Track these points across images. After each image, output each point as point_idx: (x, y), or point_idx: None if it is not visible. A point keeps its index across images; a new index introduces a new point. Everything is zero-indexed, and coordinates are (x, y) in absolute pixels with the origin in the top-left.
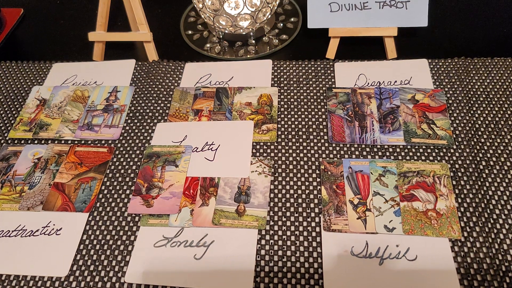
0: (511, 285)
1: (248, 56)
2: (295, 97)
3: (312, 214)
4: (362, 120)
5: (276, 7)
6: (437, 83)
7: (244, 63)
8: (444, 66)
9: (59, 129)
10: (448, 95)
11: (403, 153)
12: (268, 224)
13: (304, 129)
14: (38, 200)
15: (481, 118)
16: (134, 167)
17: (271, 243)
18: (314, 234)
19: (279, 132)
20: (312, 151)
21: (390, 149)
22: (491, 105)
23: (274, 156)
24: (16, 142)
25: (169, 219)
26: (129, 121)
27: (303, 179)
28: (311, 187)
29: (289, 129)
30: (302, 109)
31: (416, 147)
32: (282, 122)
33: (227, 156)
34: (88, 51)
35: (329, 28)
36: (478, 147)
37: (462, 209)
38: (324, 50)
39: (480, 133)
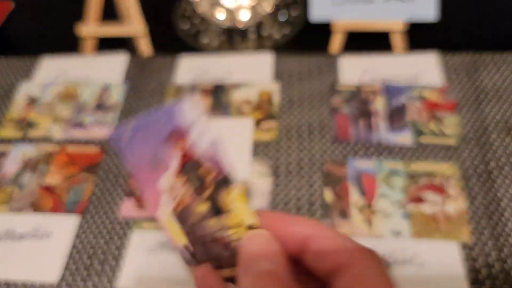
0: None
1: (248, 50)
2: (297, 93)
3: (315, 218)
4: (367, 118)
5: None
6: (446, 79)
7: (243, 58)
8: (453, 62)
9: (49, 128)
10: (457, 92)
11: (410, 153)
12: None
13: (306, 128)
14: (27, 202)
15: (490, 116)
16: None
17: None
18: None
19: (280, 131)
20: (315, 151)
21: (397, 149)
22: (501, 103)
23: (274, 156)
24: (4, 141)
25: None
26: (122, 119)
27: (305, 180)
28: (314, 189)
29: (291, 128)
30: (304, 106)
31: (424, 146)
32: (283, 120)
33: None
34: (79, 46)
35: (333, 22)
36: (487, 146)
37: (471, 211)
38: (328, 44)
39: (489, 132)
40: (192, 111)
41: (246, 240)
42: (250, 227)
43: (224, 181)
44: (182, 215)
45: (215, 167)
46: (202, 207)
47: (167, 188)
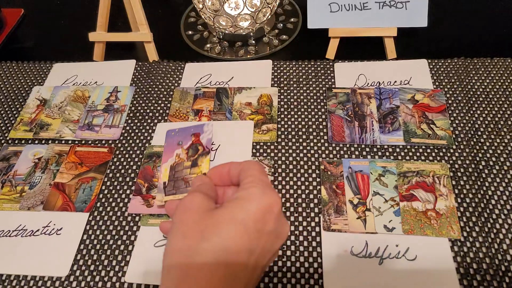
0: (511, 284)
1: (248, 56)
2: (295, 97)
3: (312, 214)
4: (362, 120)
5: (276, 8)
6: (437, 83)
7: (244, 63)
8: (444, 66)
9: (60, 129)
10: (448, 95)
11: (402, 153)
12: None
13: (304, 129)
14: (38, 200)
15: (481, 118)
16: (134, 167)
17: None
18: (314, 233)
19: (279, 132)
20: (312, 151)
21: (390, 149)
22: (491, 105)
23: (274, 156)
24: (16, 142)
25: (170, 219)
26: (129, 121)
27: (303, 179)
28: (311, 187)
29: (289, 129)
30: (302, 109)
31: (416, 147)
32: (282, 122)
33: (227, 156)
34: (88, 51)
35: (329, 28)
36: (477, 147)
37: (461, 209)
38: (324, 50)
39: (479, 133)
40: (205, 126)
41: (194, 178)
42: (204, 175)
43: (205, 153)
44: (174, 167)
45: (204, 147)
46: (187, 163)
47: (176, 154)
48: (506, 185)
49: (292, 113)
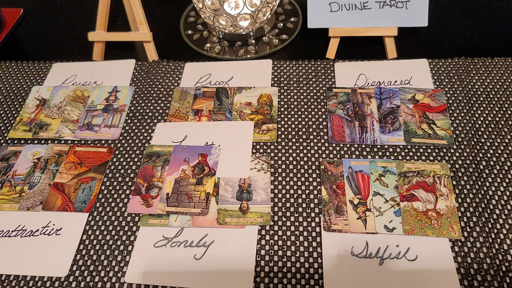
0: (511, 285)
1: (248, 56)
2: (295, 97)
3: (312, 214)
4: (362, 120)
5: (276, 7)
6: (437, 83)
7: (244, 63)
8: (444, 66)
9: (59, 129)
10: (448, 95)
11: (403, 153)
12: (268, 224)
13: (304, 129)
14: (38, 200)
15: (481, 118)
16: (134, 167)
17: (271, 243)
18: (314, 234)
19: (279, 132)
20: (312, 151)
21: (390, 149)
22: (491, 105)
23: (274, 156)
24: (16, 142)
25: (169, 219)
26: (129, 121)
27: (303, 179)
28: (311, 187)
29: (289, 129)
30: (302, 109)
31: (416, 147)
32: (282, 122)
33: (227, 156)
34: (88, 51)
35: (329, 28)
36: (478, 147)
37: (462, 209)
38: (324, 50)
39: (480, 133)
40: (212, 149)
41: None
42: (207, 194)
43: (210, 174)
44: (179, 180)
45: (211, 169)
46: (192, 180)
47: (182, 169)
48: (507, 186)
49: (292, 113)
